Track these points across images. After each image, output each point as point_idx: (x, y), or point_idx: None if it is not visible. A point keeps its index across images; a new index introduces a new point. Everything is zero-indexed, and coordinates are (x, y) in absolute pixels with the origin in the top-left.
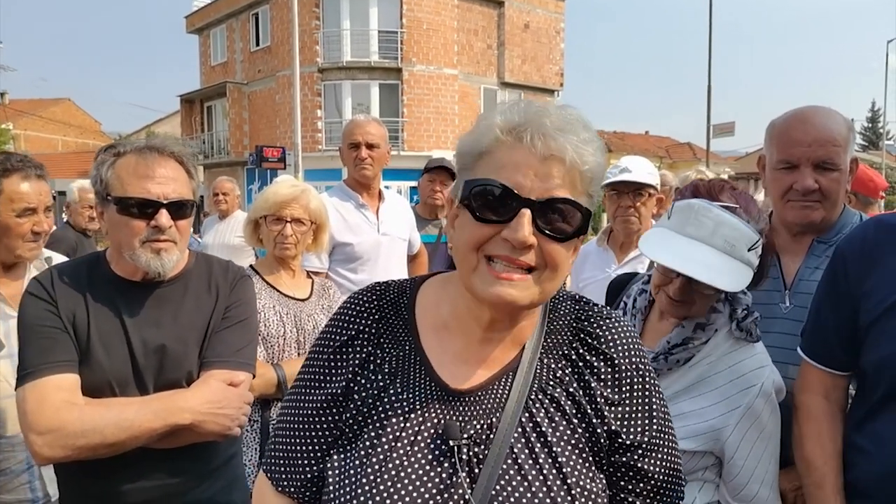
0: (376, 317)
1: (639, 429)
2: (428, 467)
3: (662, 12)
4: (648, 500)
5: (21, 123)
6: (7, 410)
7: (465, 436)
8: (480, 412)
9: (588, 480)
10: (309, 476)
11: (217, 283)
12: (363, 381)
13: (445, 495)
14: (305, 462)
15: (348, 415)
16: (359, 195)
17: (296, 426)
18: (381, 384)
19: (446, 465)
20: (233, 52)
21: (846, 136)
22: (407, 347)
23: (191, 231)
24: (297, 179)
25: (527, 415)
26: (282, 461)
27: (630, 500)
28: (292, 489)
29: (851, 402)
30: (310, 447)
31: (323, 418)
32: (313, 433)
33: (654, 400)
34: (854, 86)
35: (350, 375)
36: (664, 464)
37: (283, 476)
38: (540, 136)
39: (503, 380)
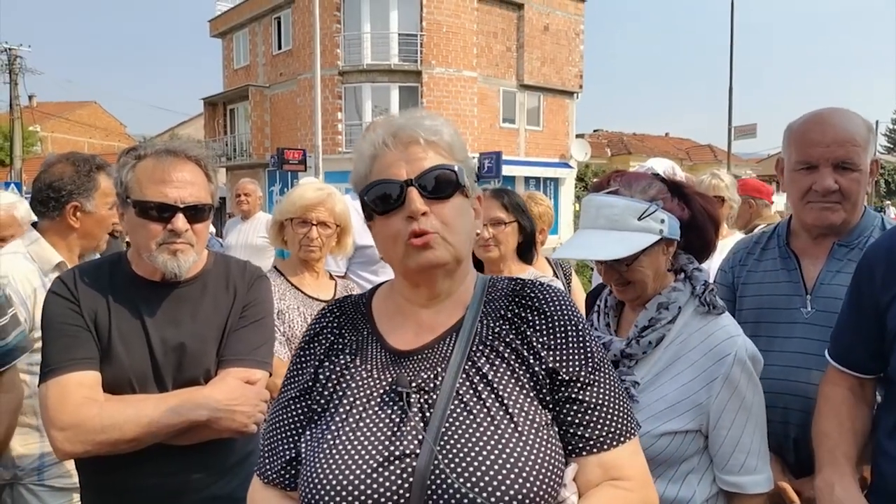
0: (337, 314)
1: (576, 365)
2: (382, 414)
3: (684, 12)
4: (597, 431)
5: (48, 126)
6: None
7: (414, 385)
8: (427, 366)
9: (532, 412)
10: (286, 458)
11: (235, 283)
12: (329, 365)
13: (398, 434)
14: (282, 447)
15: (317, 394)
16: None
17: (274, 419)
18: (344, 362)
19: (398, 410)
20: (255, 55)
21: (866, 137)
22: (365, 332)
23: (211, 232)
24: (321, 182)
25: (469, 363)
26: (265, 454)
27: (579, 433)
28: (273, 475)
29: (878, 408)
30: (285, 432)
31: (294, 405)
32: (287, 420)
33: (588, 343)
34: (879, 86)
35: (317, 363)
36: (605, 396)
37: (266, 466)
38: (393, 135)
39: (447, 339)
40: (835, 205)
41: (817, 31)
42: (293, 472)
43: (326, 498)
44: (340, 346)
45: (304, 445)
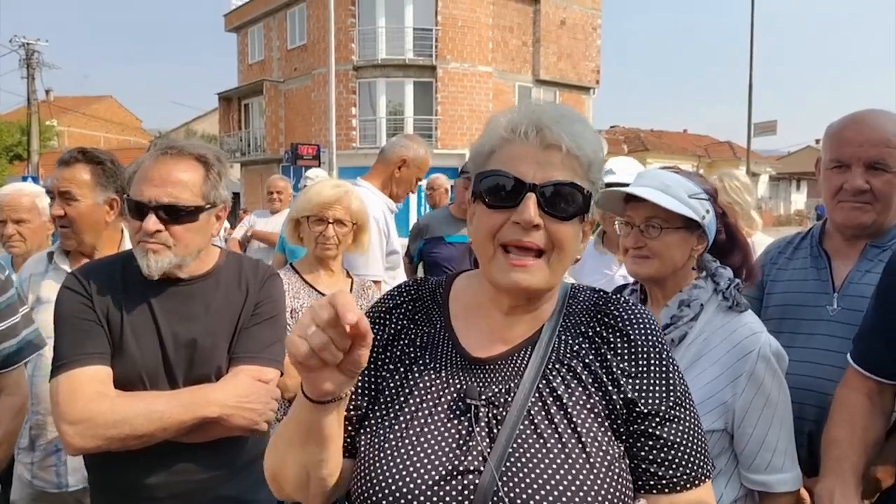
0: (414, 296)
1: (657, 398)
2: (448, 424)
3: (703, 6)
4: (671, 471)
5: (65, 120)
6: None
7: (483, 398)
8: (500, 378)
9: (605, 442)
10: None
11: (247, 280)
12: (397, 353)
13: (464, 448)
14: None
15: (383, 382)
16: (392, 202)
17: None
18: (413, 356)
19: (465, 423)
20: (270, 50)
21: None
22: (438, 325)
23: (219, 230)
24: (334, 178)
25: (544, 381)
26: None
27: (652, 470)
28: None
29: None
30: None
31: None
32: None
33: (671, 374)
34: None
35: (384, 342)
36: (685, 434)
37: None
38: (538, 130)
39: (523, 352)
40: (865, 205)
41: (844, 23)
42: (346, 455)
43: (384, 503)
44: (411, 336)
45: (363, 436)
